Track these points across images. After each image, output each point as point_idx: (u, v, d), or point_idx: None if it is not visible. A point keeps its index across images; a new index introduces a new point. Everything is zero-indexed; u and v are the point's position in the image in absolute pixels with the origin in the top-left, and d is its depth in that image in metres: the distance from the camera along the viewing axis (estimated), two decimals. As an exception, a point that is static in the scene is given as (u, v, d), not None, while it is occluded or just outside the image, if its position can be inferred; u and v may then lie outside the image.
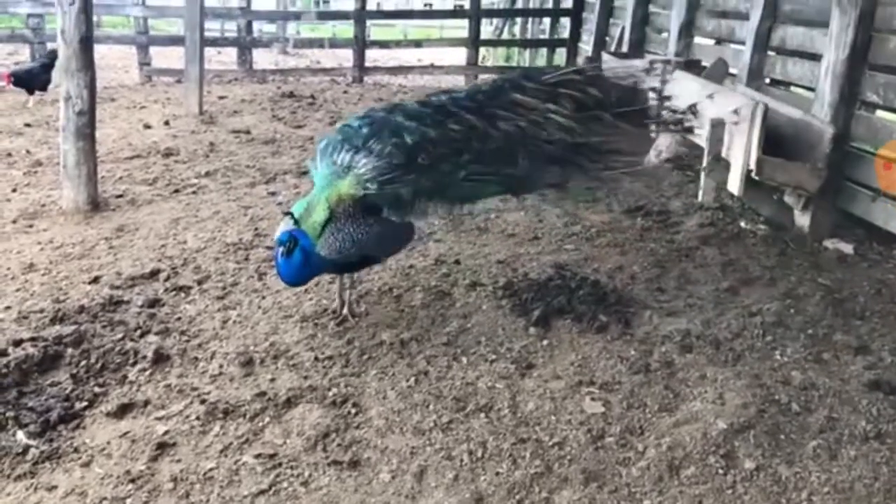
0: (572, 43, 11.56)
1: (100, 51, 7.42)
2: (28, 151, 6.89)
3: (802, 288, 4.38)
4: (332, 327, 3.78)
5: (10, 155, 6.74)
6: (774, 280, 4.48)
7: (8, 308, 3.87)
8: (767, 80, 6.68)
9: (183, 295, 4.12)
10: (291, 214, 3.56)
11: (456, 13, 15.33)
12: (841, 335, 3.86)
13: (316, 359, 3.50)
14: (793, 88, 6.74)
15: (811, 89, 5.79)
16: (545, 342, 3.70)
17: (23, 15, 10.56)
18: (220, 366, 3.43)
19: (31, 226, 5.10)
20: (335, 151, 3.85)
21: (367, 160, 3.73)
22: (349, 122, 4.09)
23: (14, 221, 5.15)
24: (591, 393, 3.30)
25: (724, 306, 4.13)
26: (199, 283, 4.25)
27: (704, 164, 5.41)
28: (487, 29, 15.67)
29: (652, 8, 9.03)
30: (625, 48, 9.07)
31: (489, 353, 3.59)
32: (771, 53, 6.53)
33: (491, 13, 15.61)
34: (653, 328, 3.85)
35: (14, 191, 5.80)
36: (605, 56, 8.74)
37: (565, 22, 12.25)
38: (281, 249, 3.45)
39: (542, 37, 13.88)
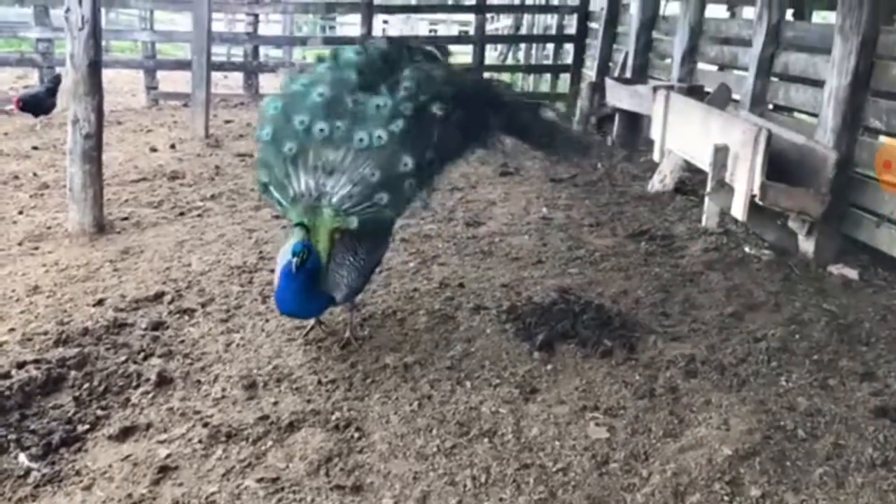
0: (576, 68, 11.62)
1: (107, 75, 7.48)
2: (35, 174, 6.93)
3: (807, 313, 4.37)
4: (336, 350, 3.77)
5: (17, 177, 6.78)
6: (779, 305, 4.47)
7: (12, 330, 3.87)
8: (770, 106, 6.71)
9: (187, 318, 4.11)
10: (303, 224, 3.51)
11: (461, 39, 15.39)
12: (846, 361, 3.85)
13: (319, 382, 3.49)
14: (796, 114, 6.78)
15: (814, 115, 5.82)
16: (549, 367, 3.69)
17: (32, 39, 10.67)
18: (223, 389, 3.42)
19: (36, 248, 5.11)
20: (291, 177, 3.62)
21: (338, 185, 3.57)
22: (281, 105, 3.77)
23: (20, 244, 5.16)
24: (595, 418, 3.28)
25: (728, 331, 4.12)
26: (203, 305, 4.25)
27: (708, 188, 5.42)
28: (492, 55, 15.77)
29: (655, 34, 9.09)
30: (628, 74, 9.13)
31: (493, 377, 3.57)
32: (774, 79, 6.57)
33: (495, 39, 15.70)
34: (657, 353, 3.84)
35: (20, 213, 5.83)
36: (608, 81, 8.80)
37: (569, 48, 12.33)
38: (295, 260, 3.34)
39: (545, 62, 13.96)
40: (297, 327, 3.97)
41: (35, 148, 7.94)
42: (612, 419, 3.28)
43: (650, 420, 3.27)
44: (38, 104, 8.93)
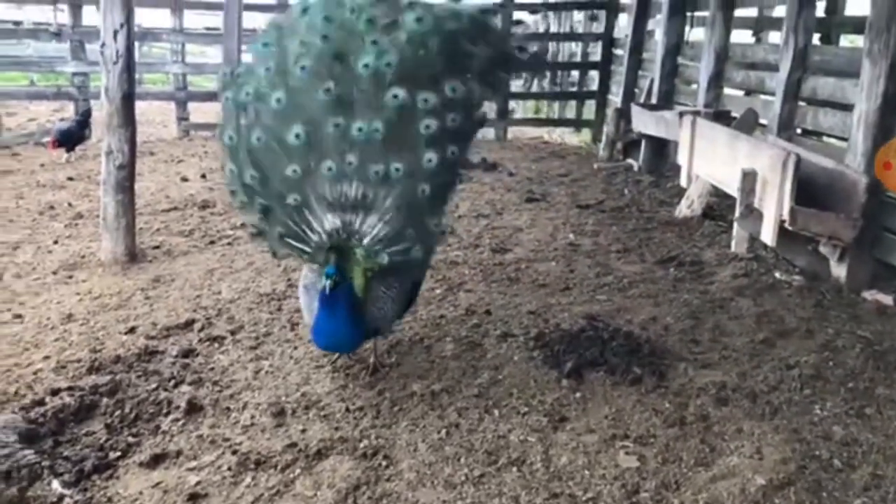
0: (601, 95, 11.65)
1: (140, 107, 7.65)
2: (70, 204, 7.07)
3: (841, 340, 4.29)
4: (363, 378, 3.77)
5: (52, 208, 6.92)
6: (811, 332, 4.40)
7: (47, 357, 3.94)
8: (799, 131, 6.66)
9: (216, 345, 4.15)
10: (334, 248, 3.48)
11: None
12: (883, 389, 3.77)
13: (347, 409, 3.49)
14: (825, 138, 6.72)
15: (844, 139, 5.76)
16: (578, 395, 3.66)
17: (68, 73, 10.95)
18: (252, 416, 3.44)
19: (70, 277, 5.21)
20: (310, 222, 3.46)
21: (367, 224, 3.45)
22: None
23: (55, 272, 5.26)
24: (625, 447, 3.25)
25: (760, 358, 4.06)
26: (233, 333, 4.29)
27: (737, 214, 5.38)
28: (516, 82, 15.86)
29: (680, 60, 9.10)
30: (654, 100, 9.13)
31: (521, 405, 3.55)
32: (802, 104, 6.53)
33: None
34: (688, 380, 3.80)
35: (55, 242, 5.94)
36: (634, 107, 8.81)
37: (594, 74, 12.38)
38: (328, 283, 3.32)
39: (571, 89, 14.02)
40: (325, 354, 3.98)
41: (70, 179, 8.12)
42: (643, 448, 3.24)
43: (681, 449, 3.23)
44: (71, 137, 9.16)
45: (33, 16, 16.85)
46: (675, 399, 3.62)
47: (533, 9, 13.41)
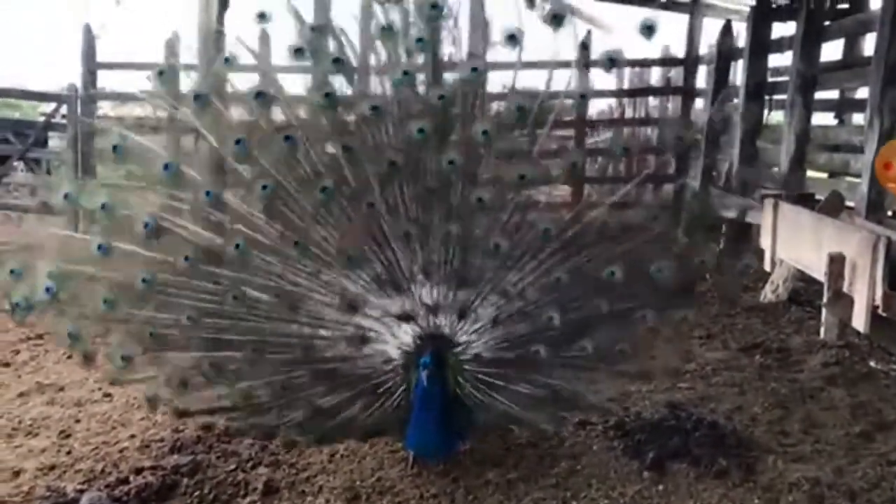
0: (678, 178, 11.58)
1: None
2: (160, 287, 7.39)
3: (947, 435, 4.02)
4: (438, 464, 3.73)
5: (143, 290, 7.24)
6: (914, 425, 4.14)
7: (133, 436, 4.05)
8: (889, 213, 6.44)
9: (294, 427, 4.19)
10: (440, 333, 3.34)
11: (559, 152, 15.66)
12: None
13: (421, 496, 3.45)
14: (918, 221, 6.47)
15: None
16: (660, 487, 3.52)
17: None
18: (327, 500, 3.44)
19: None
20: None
21: (460, 329, 3.36)
22: None
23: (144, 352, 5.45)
24: (712, 545, 3.08)
25: (857, 453, 3.83)
26: (310, 415, 4.33)
27: (825, 299, 5.19)
28: (592, 167, 15.93)
29: (760, 143, 9.00)
30: (733, 183, 9.01)
31: (601, 496, 3.44)
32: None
33: (594, 152, 15.89)
34: (777, 475, 3.60)
35: (145, 324, 6.18)
36: (713, 191, 8.71)
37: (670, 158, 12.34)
38: (425, 374, 3.13)
39: (647, 172, 13.99)
40: (399, 439, 3.97)
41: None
42: (731, 547, 3.07)
43: (773, 549, 3.04)
44: None
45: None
46: (765, 494, 3.44)
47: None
